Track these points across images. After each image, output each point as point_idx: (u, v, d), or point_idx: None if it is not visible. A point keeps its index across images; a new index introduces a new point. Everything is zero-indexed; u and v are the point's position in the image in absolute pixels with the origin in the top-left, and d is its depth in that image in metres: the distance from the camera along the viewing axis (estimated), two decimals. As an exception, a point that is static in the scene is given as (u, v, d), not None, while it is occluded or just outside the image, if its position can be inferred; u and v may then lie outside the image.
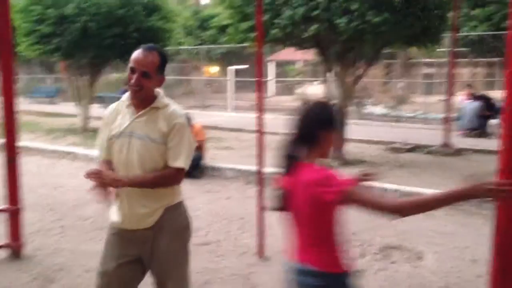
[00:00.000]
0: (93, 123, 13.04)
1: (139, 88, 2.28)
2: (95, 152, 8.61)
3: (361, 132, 11.40)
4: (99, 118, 11.72)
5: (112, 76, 26.37)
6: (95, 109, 14.11)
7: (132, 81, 2.27)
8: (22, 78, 26.71)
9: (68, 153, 9.19)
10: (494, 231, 1.86)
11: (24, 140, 9.63)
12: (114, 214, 2.44)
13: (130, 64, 2.29)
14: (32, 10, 11.02)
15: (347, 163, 8.24)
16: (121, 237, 2.45)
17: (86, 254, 4.36)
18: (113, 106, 2.42)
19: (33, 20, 11.06)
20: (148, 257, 2.44)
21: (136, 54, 2.30)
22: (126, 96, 2.40)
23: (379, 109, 16.71)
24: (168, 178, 2.34)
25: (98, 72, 13.12)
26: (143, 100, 2.34)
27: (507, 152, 1.79)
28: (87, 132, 12.30)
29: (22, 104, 17.33)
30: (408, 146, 9.78)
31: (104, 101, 15.71)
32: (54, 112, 17.26)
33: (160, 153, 2.30)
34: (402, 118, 15.23)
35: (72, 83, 13.07)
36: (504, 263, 1.82)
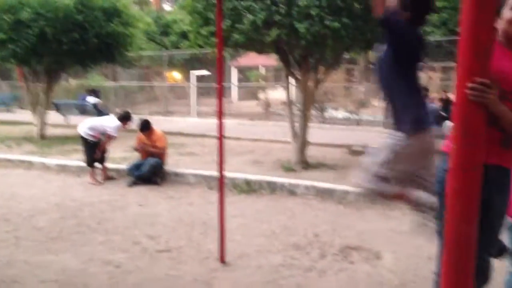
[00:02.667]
0: (50, 131, 12.73)
1: None
2: (51, 160, 8.32)
3: (323, 136, 11.53)
4: (56, 125, 11.41)
5: (71, 82, 25.84)
6: (52, 116, 13.78)
7: None
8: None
9: (23, 162, 8.89)
10: (444, 228, 1.89)
11: (-23, 149, 9.30)
12: None
13: None
14: (-14, 16, 10.66)
15: (309, 166, 8.31)
16: None
17: (41, 265, 4.22)
18: None
19: (-13, 25, 10.70)
20: None
21: None
22: None
23: (340, 113, 16.94)
24: None
25: (56, 78, 12.82)
26: None
27: (457, 151, 1.82)
28: (44, 140, 11.99)
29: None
30: (369, 149, 9.95)
31: (61, 108, 15.37)
32: (10, 120, 16.70)
33: None
34: (363, 122, 15.50)
35: (28, 90, 12.71)
36: (454, 259, 1.86)
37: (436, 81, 19.20)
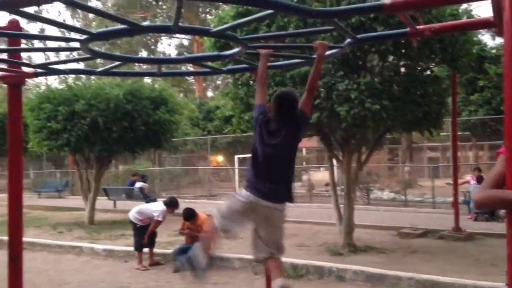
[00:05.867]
0: (99, 216, 13.01)
1: None
2: (100, 245, 8.41)
3: (369, 217, 11.26)
4: (105, 210, 11.63)
5: (119, 168, 26.74)
6: (102, 202, 14.14)
7: None
8: (30, 173, 27.12)
9: (74, 248, 9.06)
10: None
11: (29, 236, 9.57)
12: None
13: None
14: (43, 108, 11.42)
15: (357, 250, 8.05)
16: None
17: None
18: None
19: (44, 117, 11.43)
20: None
21: None
22: None
23: (386, 194, 16.61)
24: None
25: (106, 165, 13.32)
26: None
27: None
28: (93, 225, 12.24)
29: (31, 199, 17.45)
30: (419, 231, 9.58)
31: (110, 194, 15.77)
32: (62, 206, 17.25)
33: None
34: (410, 203, 15.08)
35: (80, 177, 13.23)
36: None
37: (484, 159, 18.73)
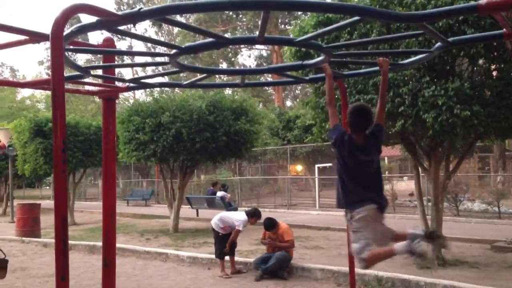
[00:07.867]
0: (182, 224, 13.42)
1: None
2: (184, 252, 8.67)
3: (459, 229, 10.69)
4: (188, 219, 11.99)
5: (201, 178, 27.52)
6: (185, 210, 14.60)
7: None
8: (120, 182, 28.71)
9: (160, 254, 9.41)
10: None
11: (119, 242, 10.08)
12: None
13: None
14: (132, 120, 12.04)
15: (446, 263, 7.65)
16: None
17: None
18: None
19: (133, 129, 12.05)
20: None
21: None
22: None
23: (477, 205, 15.67)
24: None
25: (189, 174, 13.74)
26: None
27: None
28: (177, 232, 12.65)
29: (120, 207, 18.41)
30: (515, 245, 8.93)
31: (192, 202, 16.24)
32: (148, 213, 18.04)
33: None
34: (504, 214, 14.11)
35: (165, 186, 13.76)
36: None
37: None
